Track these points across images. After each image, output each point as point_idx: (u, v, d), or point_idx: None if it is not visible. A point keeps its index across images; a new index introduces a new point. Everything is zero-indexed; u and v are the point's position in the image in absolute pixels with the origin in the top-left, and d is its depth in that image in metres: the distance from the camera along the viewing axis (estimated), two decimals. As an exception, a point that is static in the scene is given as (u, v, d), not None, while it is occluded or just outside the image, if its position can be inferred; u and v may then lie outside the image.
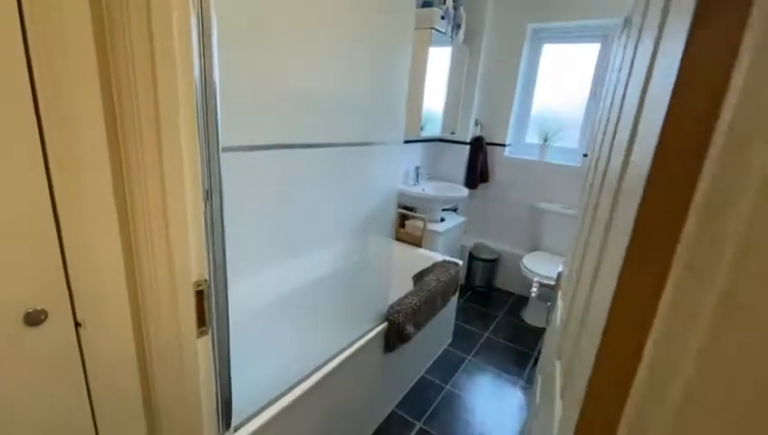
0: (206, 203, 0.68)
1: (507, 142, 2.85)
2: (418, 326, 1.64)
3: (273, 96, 1.28)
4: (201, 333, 0.72)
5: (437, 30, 2.19)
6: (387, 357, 1.52)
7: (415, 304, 1.59)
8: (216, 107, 0.66)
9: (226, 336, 0.79)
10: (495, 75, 2.78)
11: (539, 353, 2.16)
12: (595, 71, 2.55)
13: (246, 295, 1.39)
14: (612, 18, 2.30)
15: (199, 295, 0.70)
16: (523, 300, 2.73)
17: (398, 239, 2.27)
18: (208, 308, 0.72)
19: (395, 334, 1.47)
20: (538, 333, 2.37)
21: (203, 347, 0.73)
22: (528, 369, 2.03)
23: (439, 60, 2.50)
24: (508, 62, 2.73)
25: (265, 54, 1.09)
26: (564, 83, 2.72)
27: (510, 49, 2.70)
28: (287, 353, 1.22)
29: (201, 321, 0.72)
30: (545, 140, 2.74)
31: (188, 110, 0.61)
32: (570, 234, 2.59)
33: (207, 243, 0.70)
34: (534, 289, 0.85)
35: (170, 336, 0.73)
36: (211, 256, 0.72)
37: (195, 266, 0.68)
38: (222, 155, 1.06)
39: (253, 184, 1.39)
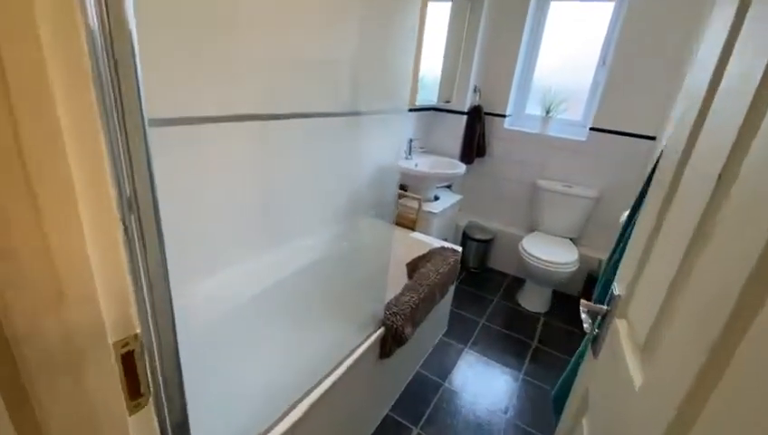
0: (126, 219, 0.43)
1: (507, 113, 2.61)
2: (417, 324, 1.46)
3: (242, 55, 1.00)
4: (136, 407, 0.49)
5: (438, -22, 1.87)
6: (381, 362, 1.34)
7: (414, 302, 1.40)
8: (133, 62, 0.40)
9: (179, 397, 0.57)
10: (497, 36, 2.49)
11: (538, 343, 2.06)
12: (607, 34, 2.30)
13: (212, 305, 1.16)
14: (634, -29, 2.03)
15: (128, 359, 0.46)
16: (518, 281, 2.61)
17: (389, 222, 2.05)
18: (146, 371, 0.49)
19: (392, 339, 1.29)
20: (534, 319, 2.26)
21: (140, 424, 0.51)
22: (527, 361, 1.92)
23: (437, 17, 2.19)
24: (512, 21, 2.43)
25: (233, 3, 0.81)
26: (571, 48, 2.47)
27: (514, 5, 2.39)
28: (266, 381, 1.01)
29: (134, 391, 0.49)
30: (548, 112, 2.51)
31: (77, 70, 0.34)
32: (571, 214, 2.47)
33: (136, 278, 0.46)
34: (585, 320, 0.66)
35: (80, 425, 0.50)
36: (145, 296, 0.48)
37: (114, 319, 0.44)
38: (171, 130, 0.77)
39: (219, 164, 1.13)
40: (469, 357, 1.91)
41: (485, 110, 2.59)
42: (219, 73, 0.97)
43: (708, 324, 0.38)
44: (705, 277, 0.42)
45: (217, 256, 1.20)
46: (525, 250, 2.20)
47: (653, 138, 2.14)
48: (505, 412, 1.60)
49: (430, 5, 2.01)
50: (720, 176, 0.43)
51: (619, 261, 1.20)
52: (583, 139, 2.38)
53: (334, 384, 1.02)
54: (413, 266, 1.86)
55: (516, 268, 2.69)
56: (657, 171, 0.69)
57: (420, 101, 2.22)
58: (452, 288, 1.90)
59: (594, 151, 2.34)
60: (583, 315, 0.70)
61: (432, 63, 2.30)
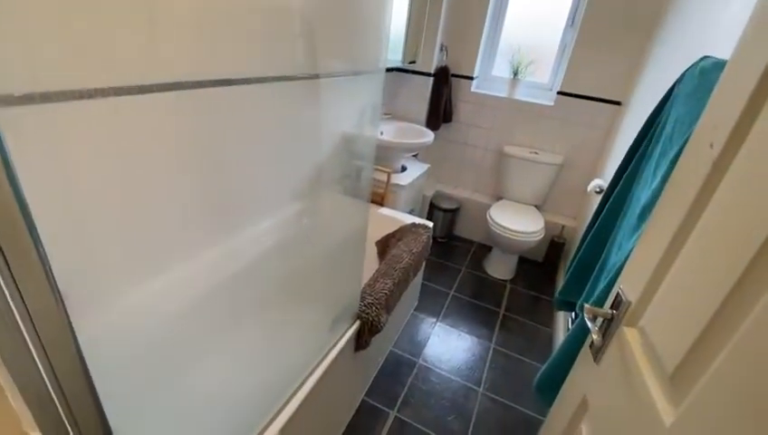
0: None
1: (474, 75, 2.47)
2: (391, 310, 1.39)
3: (159, 7, 0.78)
4: None
5: None
6: (357, 354, 1.27)
7: (389, 289, 1.32)
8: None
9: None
10: (465, -12, 2.28)
11: (506, 311, 2.10)
12: (576, -8, 2.18)
13: (138, 319, 0.99)
14: None
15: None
16: (484, 249, 2.62)
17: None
18: None
19: (368, 332, 1.21)
20: (501, 286, 2.30)
21: None
22: (497, 329, 1.95)
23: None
24: (480, -28, 2.23)
25: None
26: (540, 4, 2.33)
27: (484, -47, 2.18)
28: (228, 398, 0.89)
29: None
30: (516, 74, 2.41)
31: None
32: (537, 181, 2.46)
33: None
34: (593, 329, 0.59)
35: None
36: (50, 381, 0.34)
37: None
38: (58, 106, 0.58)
39: (141, 146, 0.92)
40: (441, 331, 1.91)
41: (452, 71, 2.43)
42: (121, 30, 0.75)
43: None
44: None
45: (146, 255, 1.01)
46: (494, 220, 2.17)
47: (619, 102, 2.12)
48: (479, 385, 1.62)
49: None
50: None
51: (598, 244, 1.18)
52: (550, 103, 2.33)
53: (309, 393, 0.92)
54: (383, 245, 1.76)
55: (483, 236, 2.70)
56: (675, 174, 0.59)
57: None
58: (424, 265, 1.84)
59: (561, 115, 2.31)
60: (589, 324, 0.64)
61: (396, 22, 2.07)
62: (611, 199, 1.18)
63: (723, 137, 0.47)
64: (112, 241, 0.92)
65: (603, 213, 1.20)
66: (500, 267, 2.38)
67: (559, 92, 2.28)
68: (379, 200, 1.93)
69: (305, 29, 1.23)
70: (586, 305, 0.64)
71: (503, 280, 2.36)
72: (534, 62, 2.39)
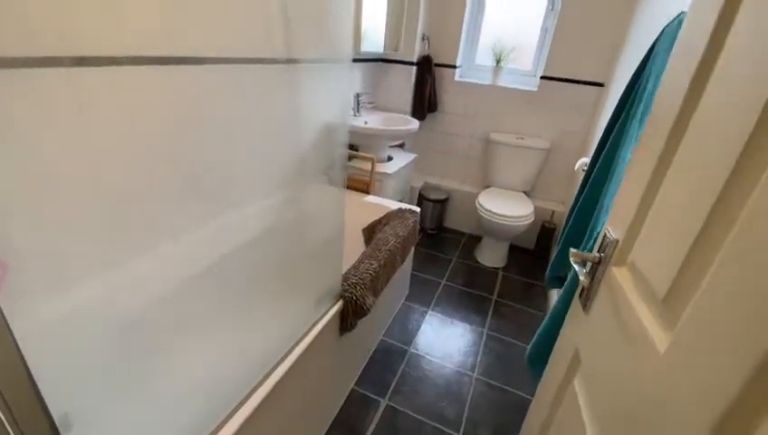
0: None
1: (458, 64, 2.46)
2: (378, 293, 1.34)
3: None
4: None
5: None
6: (343, 337, 1.21)
7: (374, 269, 1.27)
8: None
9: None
10: (444, -23, 2.28)
11: (498, 297, 2.06)
12: (556, -25, 2.19)
13: (131, 296, 0.94)
14: None
15: None
16: (475, 239, 2.59)
17: (340, 185, 1.88)
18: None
19: (353, 313, 1.16)
20: (493, 274, 2.26)
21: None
22: (489, 315, 1.91)
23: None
24: (459, -40, 2.23)
25: None
26: (521, -9, 2.34)
27: (462, -59, 2.19)
28: (206, 376, 0.84)
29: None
30: (498, 62, 2.41)
31: None
32: (525, 167, 2.45)
33: None
34: (579, 271, 0.55)
35: None
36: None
37: None
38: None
39: (109, 123, 0.87)
40: (432, 319, 1.86)
41: (435, 60, 2.42)
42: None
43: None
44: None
45: (129, 237, 0.96)
46: (482, 206, 2.14)
47: (602, 84, 2.12)
48: (473, 370, 1.58)
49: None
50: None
51: (585, 214, 1.15)
52: (534, 88, 2.32)
53: (290, 370, 0.87)
54: (370, 232, 1.72)
55: (473, 226, 2.67)
56: (654, 109, 0.57)
57: (366, 50, 2.00)
58: (412, 251, 1.80)
59: (545, 100, 2.30)
60: (577, 267, 0.60)
61: (376, 11, 2.06)
62: (597, 167, 1.15)
63: (693, 67, 0.45)
64: (78, 224, 0.86)
65: (589, 182, 1.17)
66: (491, 256, 2.35)
67: (542, 77, 2.28)
68: (364, 188, 1.89)
69: (278, 15, 1.20)
70: (572, 250, 0.60)
71: (494, 268, 2.33)
72: (516, 48, 2.39)
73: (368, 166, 1.89)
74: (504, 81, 2.42)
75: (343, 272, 1.21)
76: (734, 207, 0.35)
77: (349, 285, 1.17)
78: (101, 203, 0.90)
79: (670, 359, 0.40)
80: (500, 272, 2.30)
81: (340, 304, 1.12)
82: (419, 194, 2.59)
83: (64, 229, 0.84)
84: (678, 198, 0.46)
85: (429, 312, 1.91)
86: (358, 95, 2.15)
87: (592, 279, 0.61)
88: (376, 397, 1.42)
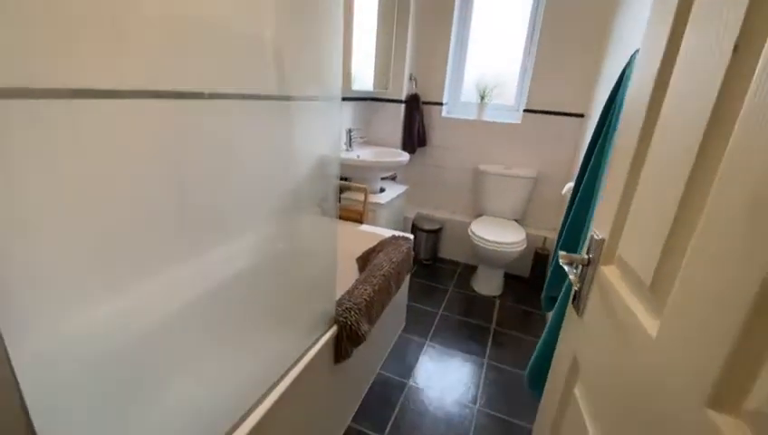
0: None
1: (444, 101, 2.59)
2: (373, 321, 1.32)
3: (130, 12, 0.80)
4: None
5: (364, -46, 1.77)
6: (337, 367, 1.17)
7: (368, 294, 1.26)
8: None
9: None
10: (428, 27, 2.46)
11: (497, 325, 2.02)
12: (530, 22, 2.38)
13: (120, 327, 0.91)
14: (549, -42, 2.11)
15: None
16: (470, 269, 2.59)
17: (333, 216, 1.90)
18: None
19: (348, 339, 1.13)
20: (490, 303, 2.24)
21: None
22: (489, 344, 1.87)
23: (368, 5, 2.09)
24: (440, 13, 2.42)
25: None
26: (499, 36, 2.52)
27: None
28: (197, 403, 0.80)
29: None
30: (482, 98, 2.54)
31: None
32: (514, 195, 2.51)
33: None
34: (570, 271, 0.56)
35: None
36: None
37: None
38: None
39: (102, 153, 0.89)
40: (431, 350, 1.81)
41: (423, 99, 2.55)
42: (89, 31, 0.75)
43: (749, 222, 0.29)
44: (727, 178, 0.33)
45: (120, 269, 0.95)
46: (475, 233, 2.16)
47: (582, 115, 2.23)
48: (475, 402, 1.51)
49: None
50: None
51: (573, 235, 1.18)
52: (518, 121, 2.43)
53: (281, 398, 0.83)
54: (364, 260, 1.71)
55: (467, 255, 2.67)
56: (620, 122, 0.62)
57: (357, 89, 2.11)
58: (407, 280, 1.79)
59: (529, 132, 2.40)
60: (566, 267, 0.61)
61: (366, 54, 2.20)
62: (582, 187, 1.19)
63: (650, 87, 0.49)
64: (66, 255, 0.86)
65: (576, 202, 1.21)
66: (487, 284, 2.34)
67: (525, 110, 2.39)
68: (358, 218, 1.91)
69: (272, 54, 1.28)
70: (561, 252, 0.62)
71: (491, 296, 2.30)
72: (499, 85, 2.53)
73: (361, 197, 1.92)
74: (490, 115, 2.54)
75: (337, 298, 1.20)
76: (699, 198, 0.38)
77: (343, 310, 1.15)
78: (93, 234, 0.90)
79: (662, 342, 0.40)
80: (497, 300, 2.27)
81: (334, 329, 1.09)
82: (413, 224, 2.61)
83: (53, 259, 0.84)
84: (652, 195, 0.48)
85: (427, 343, 1.86)
86: (350, 131, 2.23)
87: (583, 282, 0.62)
88: (373, 434, 1.34)
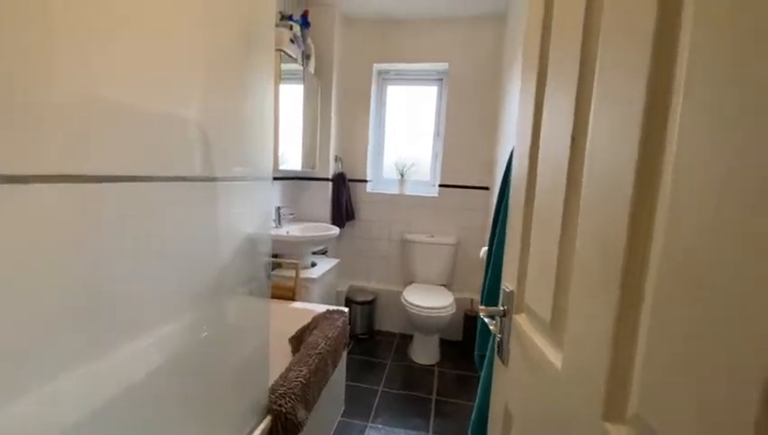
0: None
1: (368, 178, 2.79)
2: (310, 406, 1.23)
3: (44, 94, 0.79)
4: None
5: (288, 54, 1.99)
6: (273, 466, 1.05)
7: (304, 376, 1.19)
8: None
9: None
10: (349, 113, 2.75)
11: (438, 395, 1.99)
12: (436, 110, 2.80)
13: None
14: (443, 63, 2.58)
15: None
16: (407, 338, 2.58)
17: (264, 296, 1.82)
18: None
19: (283, 428, 1.03)
20: (429, 372, 2.22)
21: None
22: (432, 416, 1.82)
23: (294, 94, 2.30)
24: (360, 101, 2.74)
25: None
26: (412, 122, 2.89)
27: (360, 87, 2.72)
28: None
29: None
30: (402, 175, 2.80)
31: None
32: (440, 261, 2.69)
33: None
34: (490, 322, 0.63)
35: None
36: None
37: None
38: None
39: (12, 239, 0.80)
40: (374, 433, 1.70)
41: (349, 176, 2.72)
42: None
43: (605, 273, 0.38)
44: (586, 241, 0.44)
45: (19, 370, 0.80)
46: (408, 301, 2.22)
47: (487, 188, 2.57)
48: (424, 484, 1.42)
49: (286, 87, 2.11)
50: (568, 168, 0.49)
51: (494, 282, 1.30)
52: (436, 194, 2.70)
53: None
54: (298, 339, 1.63)
55: (403, 325, 2.68)
56: (510, 194, 0.77)
57: (286, 168, 2.19)
58: (344, 357, 1.72)
59: (446, 204, 2.67)
60: (486, 319, 0.68)
61: (294, 136, 2.34)
62: (493, 251, 1.34)
63: (527, 162, 0.65)
64: None
65: (490, 265, 1.35)
66: (425, 353, 2.34)
67: (440, 185, 2.68)
68: (290, 295, 1.85)
69: (200, 135, 1.32)
70: (481, 307, 0.69)
71: (429, 365, 2.30)
72: (416, 163, 2.83)
73: (292, 273, 1.89)
74: (410, 190, 2.78)
75: (271, 384, 1.11)
76: (569, 245, 0.48)
77: (277, 396, 1.06)
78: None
79: (565, 371, 0.46)
80: (435, 368, 2.27)
81: (268, 420, 1.00)
82: (346, 298, 2.59)
83: None
84: (539, 247, 0.59)
85: (369, 425, 1.75)
86: (279, 208, 2.25)
87: (504, 332, 0.69)
88: None
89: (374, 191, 2.79)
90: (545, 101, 0.61)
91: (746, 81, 0.26)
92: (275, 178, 2.28)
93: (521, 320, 0.63)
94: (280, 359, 1.56)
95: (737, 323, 0.25)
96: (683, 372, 0.29)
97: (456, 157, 2.61)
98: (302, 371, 1.21)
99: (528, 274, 0.63)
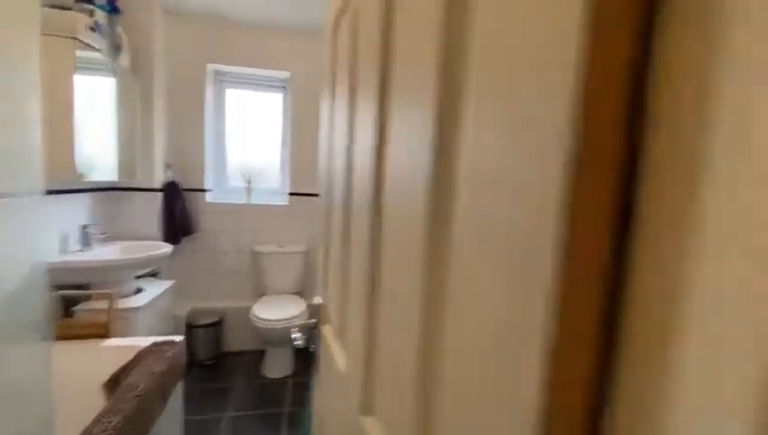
0: None
1: (208, 187, 2.56)
2: (128, 458, 1.06)
3: None
4: None
5: (86, 44, 1.66)
6: None
7: (115, 427, 1.02)
8: None
9: None
10: (181, 115, 2.46)
11: (292, 406, 1.98)
12: (283, 119, 2.76)
13: None
14: (285, 71, 2.58)
15: None
16: (258, 355, 2.47)
17: (62, 338, 1.49)
18: None
19: (83, 498, 0.86)
20: (282, 384, 2.19)
21: None
22: (284, 430, 1.80)
23: (103, 90, 1.92)
24: (193, 102, 2.49)
25: None
26: (257, 128, 2.79)
27: (192, 88, 2.48)
28: None
29: None
30: (249, 183, 2.67)
31: None
32: (291, 270, 2.66)
33: None
34: (296, 335, 0.68)
35: None
36: None
37: None
38: None
39: None
40: (219, 465, 1.58)
41: (183, 186, 2.44)
42: None
43: (356, 295, 0.46)
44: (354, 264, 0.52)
45: None
46: (256, 316, 2.13)
47: (334, 195, 2.68)
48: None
49: (91, 79, 1.76)
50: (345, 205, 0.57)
51: None
52: (286, 203, 2.67)
53: None
54: (114, 383, 1.38)
55: (255, 342, 2.56)
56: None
57: (95, 178, 1.82)
58: (180, 390, 1.54)
59: (296, 212, 2.67)
60: (296, 335, 0.72)
61: (106, 138, 1.96)
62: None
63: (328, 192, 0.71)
64: None
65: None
66: (277, 366, 2.29)
67: (290, 193, 2.66)
68: (101, 333, 1.55)
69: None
70: (295, 324, 0.73)
71: (283, 377, 2.26)
72: (265, 170, 2.74)
73: (104, 304, 1.58)
74: (259, 198, 2.67)
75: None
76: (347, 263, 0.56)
77: (72, 461, 0.88)
78: None
79: (347, 371, 0.54)
80: (289, 380, 2.24)
81: (56, 494, 0.82)
82: (186, 323, 2.32)
83: None
84: (333, 264, 0.66)
85: (214, 458, 1.62)
86: (85, 226, 1.86)
87: (315, 342, 0.74)
88: None
89: (216, 201, 2.58)
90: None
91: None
92: (78, 191, 1.88)
93: (326, 331, 0.70)
94: (87, 412, 1.30)
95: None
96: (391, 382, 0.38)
97: (304, 164, 2.64)
98: (112, 420, 1.03)
99: (329, 288, 0.70)
